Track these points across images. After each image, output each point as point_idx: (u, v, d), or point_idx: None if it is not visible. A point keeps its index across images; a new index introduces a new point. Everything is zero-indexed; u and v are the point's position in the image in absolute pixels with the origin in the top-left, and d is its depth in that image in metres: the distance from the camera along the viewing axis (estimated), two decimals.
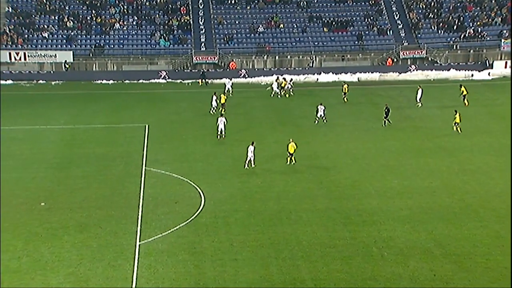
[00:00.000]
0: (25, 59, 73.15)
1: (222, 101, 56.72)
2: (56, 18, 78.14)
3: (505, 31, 78.85)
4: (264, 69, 75.13)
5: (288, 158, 42.52)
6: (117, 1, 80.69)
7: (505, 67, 75.45)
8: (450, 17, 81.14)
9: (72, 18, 77.97)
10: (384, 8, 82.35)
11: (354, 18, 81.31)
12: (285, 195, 37.41)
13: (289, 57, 76.74)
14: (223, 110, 55.18)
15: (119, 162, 43.58)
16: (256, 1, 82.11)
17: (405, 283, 27.77)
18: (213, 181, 39.82)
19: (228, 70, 74.46)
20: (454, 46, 78.38)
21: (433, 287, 27.48)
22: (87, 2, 79.93)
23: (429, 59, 77.02)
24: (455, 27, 79.82)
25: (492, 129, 51.13)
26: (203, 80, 71.30)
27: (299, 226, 33.18)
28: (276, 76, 69.18)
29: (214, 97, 56.55)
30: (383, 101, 57.08)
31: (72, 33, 76.62)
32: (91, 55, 75.24)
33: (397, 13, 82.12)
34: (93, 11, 79.19)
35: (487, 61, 75.92)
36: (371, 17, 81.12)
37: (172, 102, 62.71)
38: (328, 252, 30.38)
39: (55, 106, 60.81)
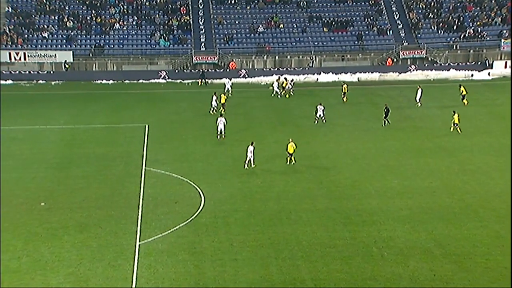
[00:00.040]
0: (25, 59, 73.14)
1: (222, 101, 56.74)
2: (56, 18, 78.14)
3: (505, 31, 78.85)
4: (264, 69, 75.12)
5: (288, 158, 42.52)
6: (117, 1, 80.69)
7: (505, 67, 75.44)
8: (450, 17, 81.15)
9: (72, 18, 77.97)
10: (384, 8, 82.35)
11: (354, 18, 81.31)
12: (285, 195, 37.41)
13: (289, 57, 76.73)
14: (223, 110, 55.19)
15: (119, 162, 43.58)
16: (256, 1, 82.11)
17: (405, 283, 27.77)
18: (213, 181, 39.82)
19: (228, 70, 74.45)
20: (454, 46, 78.38)
21: (433, 287, 27.48)
22: (87, 2, 79.93)
23: (429, 59, 77.01)
24: (455, 27, 79.82)
25: (492, 129, 51.14)
26: (203, 80, 71.30)
27: (299, 226, 33.18)
28: (278, 76, 69.22)
29: (214, 97, 56.56)
30: (383, 101, 57.08)
31: (72, 33, 76.62)
32: (91, 55, 75.23)
33: (397, 13, 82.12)
34: (93, 11, 79.19)
35: (487, 61, 75.91)
36: (371, 17, 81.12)
37: (172, 102, 62.71)
38: (328, 252, 30.38)
39: (55, 106, 60.80)
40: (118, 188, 38.63)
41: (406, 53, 77.11)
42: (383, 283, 27.74)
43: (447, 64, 76.13)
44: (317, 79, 73.31)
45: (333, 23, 79.94)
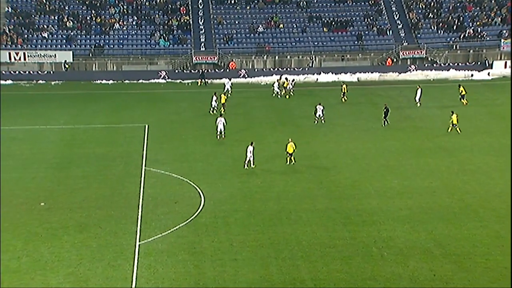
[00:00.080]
0: (24, 59, 73.15)
1: (223, 101, 56.77)
2: (56, 18, 78.16)
3: (504, 31, 78.88)
4: (264, 69, 75.13)
5: (288, 158, 42.51)
6: (116, 1, 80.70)
7: (505, 67, 75.47)
8: (450, 17, 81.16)
9: (71, 18, 77.98)
10: (383, 8, 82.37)
11: (353, 18, 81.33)
12: (285, 195, 37.41)
13: (288, 57, 76.75)
14: (223, 110, 55.20)
15: (119, 162, 43.57)
16: (256, 1, 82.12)
17: (405, 283, 27.76)
18: (213, 181, 39.82)
19: (228, 70, 74.46)
20: (454, 46, 78.40)
21: (433, 287, 27.48)
22: (86, 2, 79.94)
23: (429, 59, 77.03)
24: (454, 27, 79.84)
25: (492, 129, 51.14)
26: (203, 80, 71.31)
27: (299, 226, 33.17)
28: (279, 76, 69.24)
29: (214, 97, 56.57)
30: (383, 101, 57.09)
31: (72, 33, 76.63)
32: (90, 55, 75.24)
33: (396, 13, 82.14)
34: (93, 11, 79.21)
35: (486, 61, 75.95)
36: (371, 17, 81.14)
37: (172, 102, 62.72)
38: (328, 252, 30.37)
39: (55, 106, 60.82)
40: (118, 188, 38.63)
41: (406, 53, 77.14)
42: (383, 283, 27.73)
43: (447, 64, 76.16)
44: (317, 79, 73.32)
45: (333, 23, 79.96)
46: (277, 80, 65.83)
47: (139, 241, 31.48)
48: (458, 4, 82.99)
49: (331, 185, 39.15)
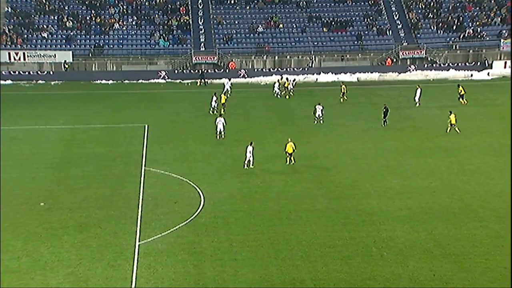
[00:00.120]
0: (24, 59, 73.19)
1: (223, 101, 56.80)
2: (56, 18, 78.18)
3: (504, 31, 78.91)
4: (264, 69, 75.14)
5: (288, 158, 42.52)
6: (116, 1, 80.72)
7: (505, 67, 75.50)
8: (450, 17, 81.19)
9: (71, 18, 78.00)
10: (383, 8, 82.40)
11: (353, 18, 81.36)
12: (285, 195, 37.40)
13: (288, 57, 76.77)
14: (223, 110, 55.22)
15: (119, 162, 43.58)
16: (255, 1, 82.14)
17: (404, 283, 27.76)
18: (213, 181, 39.82)
19: (227, 70, 74.47)
20: (454, 46, 78.44)
21: (432, 287, 27.49)
22: (86, 2, 79.95)
23: (429, 59, 77.06)
24: (454, 27, 79.88)
25: (492, 129, 51.14)
26: (202, 80, 71.33)
27: (298, 226, 33.17)
28: (280, 76, 69.25)
29: (214, 97, 56.57)
30: (382, 101, 57.08)
31: (72, 33, 76.64)
32: (90, 55, 75.26)
33: (396, 13, 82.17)
34: (93, 11, 79.23)
35: (486, 61, 75.98)
36: (371, 17, 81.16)
37: (172, 102, 62.74)
38: (328, 252, 30.37)
39: (54, 106, 60.84)
40: (118, 188, 38.63)
41: (405, 53, 77.17)
42: (383, 283, 27.73)
43: (446, 64, 76.19)
44: (317, 79, 73.33)
45: (333, 23, 79.99)
46: (278, 81, 65.84)
47: (139, 241, 31.48)
48: (457, 4, 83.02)
49: (330, 185, 39.15)
